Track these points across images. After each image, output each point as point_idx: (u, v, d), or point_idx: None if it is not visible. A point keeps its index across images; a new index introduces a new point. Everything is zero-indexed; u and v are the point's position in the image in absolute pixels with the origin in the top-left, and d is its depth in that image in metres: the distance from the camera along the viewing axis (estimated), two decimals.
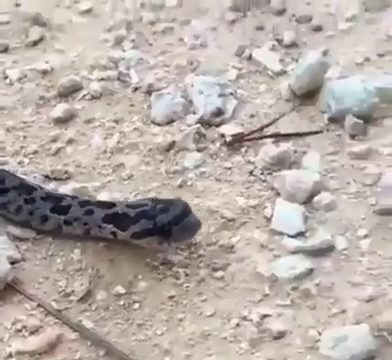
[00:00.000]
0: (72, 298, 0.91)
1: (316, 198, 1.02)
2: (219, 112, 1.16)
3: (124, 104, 1.18)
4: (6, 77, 1.23)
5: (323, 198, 1.02)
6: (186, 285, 0.93)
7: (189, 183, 1.06)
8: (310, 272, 0.94)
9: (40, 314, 0.87)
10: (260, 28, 1.35)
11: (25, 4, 1.40)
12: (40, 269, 0.93)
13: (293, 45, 1.31)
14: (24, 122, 1.14)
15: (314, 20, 1.37)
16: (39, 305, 0.87)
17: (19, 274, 0.91)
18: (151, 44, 1.32)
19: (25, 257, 0.94)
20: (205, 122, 1.15)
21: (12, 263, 0.91)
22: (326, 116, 1.15)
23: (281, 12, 1.39)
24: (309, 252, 0.96)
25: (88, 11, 1.39)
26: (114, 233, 0.94)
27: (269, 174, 1.06)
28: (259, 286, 0.93)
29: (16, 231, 0.96)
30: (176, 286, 0.93)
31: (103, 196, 1.03)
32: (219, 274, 0.94)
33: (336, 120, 1.15)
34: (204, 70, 1.25)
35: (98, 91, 1.20)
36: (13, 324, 0.86)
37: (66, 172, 1.07)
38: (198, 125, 1.13)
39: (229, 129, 1.13)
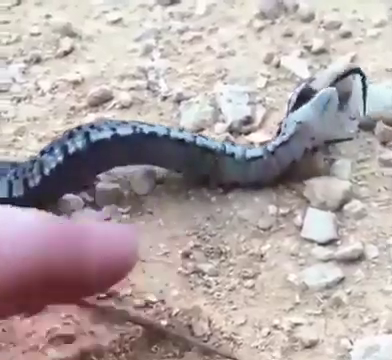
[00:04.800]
0: None
1: (346, 206, 1.02)
2: (248, 120, 1.16)
3: (153, 113, 1.19)
4: (38, 88, 1.24)
5: (353, 206, 1.02)
6: (217, 294, 0.94)
7: (220, 190, 1.07)
8: (341, 280, 0.94)
9: (74, 323, 0.89)
10: (288, 35, 1.36)
11: (55, 15, 1.42)
12: None
13: (322, 52, 1.31)
14: (56, 132, 1.15)
15: (343, 26, 1.36)
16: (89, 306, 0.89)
17: None
18: (180, 53, 1.33)
19: None
20: (234, 130, 1.15)
21: None
22: (356, 123, 1.15)
23: (309, 19, 1.39)
24: (340, 260, 0.96)
25: (117, 21, 1.41)
26: None
27: (299, 183, 1.07)
28: (290, 295, 0.93)
29: None
30: (207, 294, 0.94)
31: None
32: (250, 283, 0.95)
33: (366, 127, 1.15)
34: (233, 78, 1.25)
35: (128, 100, 1.21)
36: (48, 333, 0.87)
37: (97, 179, 1.09)
38: (227, 134, 1.14)
39: (258, 137, 1.14)
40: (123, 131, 1.00)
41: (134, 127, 1.01)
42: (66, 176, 1.00)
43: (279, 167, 1.05)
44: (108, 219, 1.03)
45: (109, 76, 1.27)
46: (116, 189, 1.06)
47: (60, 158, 0.98)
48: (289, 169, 1.06)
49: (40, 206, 0.98)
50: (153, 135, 1.01)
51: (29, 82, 1.26)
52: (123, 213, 1.04)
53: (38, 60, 1.31)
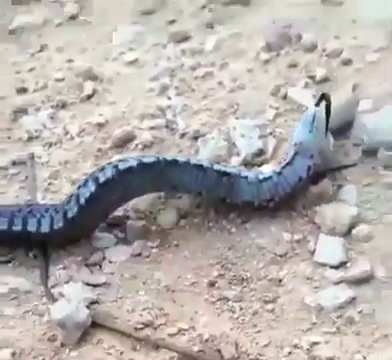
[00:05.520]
0: None
1: (354, 230, 1.12)
2: (260, 152, 1.26)
3: (173, 151, 1.30)
4: (67, 132, 1.36)
5: (361, 230, 1.12)
6: (242, 318, 1.04)
7: (238, 221, 1.17)
8: (353, 300, 1.04)
9: (116, 352, 1.00)
10: (293, 65, 1.45)
11: (77, 59, 1.54)
12: (112, 310, 1.06)
13: (325, 80, 1.41)
14: (85, 174, 1.27)
15: (344, 54, 1.46)
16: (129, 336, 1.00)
17: (95, 316, 1.04)
18: (193, 89, 1.43)
19: (99, 300, 1.07)
20: (248, 163, 1.25)
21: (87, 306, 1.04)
22: (360, 149, 1.25)
23: (312, 48, 1.49)
24: (351, 282, 1.06)
25: (133, 62, 1.52)
26: None
27: (310, 209, 1.17)
28: (307, 316, 1.03)
29: (90, 277, 1.10)
30: (233, 319, 1.04)
31: None
32: (270, 306, 1.05)
33: (370, 153, 1.24)
34: (244, 112, 1.36)
35: (149, 140, 1.32)
36: None
37: (127, 217, 1.20)
38: (242, 167, 1.25)
39: (270, 168, 1.24)
40: (147, 159, 1.14)
41: (157, 156, 1.15)
42: (99, 204, 1.13)
43: (288, 185, 1.17)
44: (138, 254, 1.14)
45: (130, 116, 1.38)
46: (144, 225, 1.17)
47: (93, 188, 1.11)
48: (297, 186, 1.17)
49: (77, 239, 1.13)
50: (174, 162, 1.14)
51: (58, 127, 1.38)
52: (152, 247, 1.15)
53: (64, 105, 1.43)
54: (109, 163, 1.15)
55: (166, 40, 1.57)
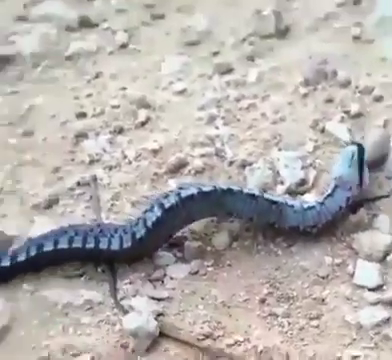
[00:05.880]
0: None
1: (389, 257, 1.26)
2: (302, 182, 1.41)
3: (223, 177, 1.44)
4: (125, 157, 1.50)
5: None
6: (290, 332, 1.18)
7: (284, 245, 1.31)
8: (388, 320, 1.18)
9: None
10: (329, 100, 1.60)
11: (130, 87, 1.68)
12: (175, 322, 1.19)
13: (359, 115, 1.55)
14: (144, 196, 1.41)
15: (375, 91, 1.60)
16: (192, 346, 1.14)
17: (162, 327, 1.18)
18: (239, 120, 1.58)
19: (164, 312, 1.20)
20: (292, 191, 1.40)
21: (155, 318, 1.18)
22: None
23: (346, 84, 1.63)
24: (386, 303, 1.21)
25: (182, 91, 1.66)
26: None
27: (348, 236, 1.31)
28: (348, 332, 1.18)
29: (154, 292, 1.24)
30: (282, 333, 1.18)
31: None
32: (315, 323, 1.20)
33: None
34: (286, 143, 1.50)
35: (200, 166, 1.46)
36: None
37: (185, 238, 1.33)
38: (287, 195, 1.39)
39: (311, 197, 1.38)
40: (206, 188, 1.29)
41: (214, 185, 1.30)
42: (164, 227, 1.28)
43: (329, 213, 1.32)
44: (196, 272, 1.28)
45: (182, 144, 1.52)
46: (200, 246, 1.31)
47: (159, 213, 1.26)
48: (337, 215, 1.32)
49: (141, 257, 1.26)
50: (229, 191, 1.30)
51: (116, 151, 1.52)
52: (208, 266, 1.29)
53: (121, 130, 1.57)
54: (171, 191, 1.30)
55: (211, 71, 1.72)
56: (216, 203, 1.29)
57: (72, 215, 1.38)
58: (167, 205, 1.26)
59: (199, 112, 1.61)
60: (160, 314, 1.19)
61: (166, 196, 1.28)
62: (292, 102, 1.61)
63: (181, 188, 1.30)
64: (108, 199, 1.42)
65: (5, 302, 1.22)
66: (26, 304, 1.22)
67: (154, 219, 1.25)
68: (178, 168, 1.47)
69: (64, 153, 1.53)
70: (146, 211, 1.28)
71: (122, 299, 1.23)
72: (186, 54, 1.77)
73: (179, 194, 1.27)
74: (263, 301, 1.23)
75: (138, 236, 1.26)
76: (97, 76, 1.73)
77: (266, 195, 1.31)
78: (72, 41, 1.83)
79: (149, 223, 1.25)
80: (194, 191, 1.28)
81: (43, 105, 1.65)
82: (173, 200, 1.26)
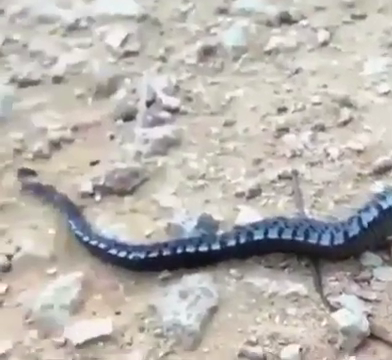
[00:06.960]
0: None
1: None
2: None
3: None
4: (327, 154, 1.50)
5: None
6: None
7: None
8: None
9: None
10: None
11: (331, 86, 1.67)
12: (384, 325, 1.17)
13: None
14: (348, 196, 1.39)
15: None
16: None
17: (372, 328, 1.16)
18: None
19: (373, 314, 1.18)
20: None
21: None
22: None
23: None
24: None
25: (387, 93, 1.63)
26: None
27: None
28: None
29: (361, 292, 1.22)
30: None
31: None
32: None
33: None
34: None
35: None
36: None
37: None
38: None
39: None
40: None
41: None
42: (379, 227, 1.26)
43: None
44: None
45: (386, 147, 1.49)
46: None
47: (376, 213, 1.25)
48: None
49: (348, 256, 1.26)
50: None
51: (318, 149, 1.51)
52: None
53: (322, 128, 1.56)
54: (386, 192, 1.28)
55: None
56: None
57: (275, 207, 1.40)
58: (385, 206, 1.24)
59: None
60: (369, 315, 1.18)
61: (383, 197, 1.26)
62: None
63: None
64: (311, 195, 1.41)
65: (213, 283, 1.25)
66: (233, 289, 1.24)
67: (371, 219, 1.24)
68: (384, 170, 1.45)
69: (265, 145, 1.54)
70: (360, 211, 1.27)
71: (328, 295, 1.22)
72: (389, 55, 1.74)
73: None
74: None
75: (351, 234, 1.25)
76: (297, 72, 1.74)
77: None
78: (272, 36, 1.85)
79: (365, 223, 1.24)
80: None
81: (243, 97, 1.68)
82: (391, 202, 1.25)
